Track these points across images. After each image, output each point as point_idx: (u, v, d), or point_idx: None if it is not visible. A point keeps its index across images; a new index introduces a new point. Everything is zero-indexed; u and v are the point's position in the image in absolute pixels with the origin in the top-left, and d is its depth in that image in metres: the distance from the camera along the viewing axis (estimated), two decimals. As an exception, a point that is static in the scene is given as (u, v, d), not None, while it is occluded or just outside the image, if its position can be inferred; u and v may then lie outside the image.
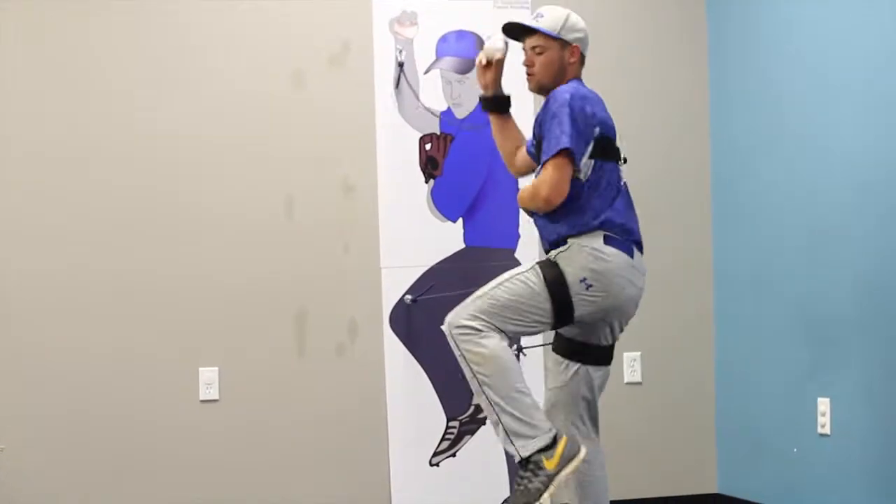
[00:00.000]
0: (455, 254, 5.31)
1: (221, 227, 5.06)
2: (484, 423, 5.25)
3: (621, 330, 4.01)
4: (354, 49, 5.21)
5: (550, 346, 4.11)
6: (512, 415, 3.72)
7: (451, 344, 3.82)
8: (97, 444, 4.91)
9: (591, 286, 3.80)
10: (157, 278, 4.98)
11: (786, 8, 5.12)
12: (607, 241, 3.84)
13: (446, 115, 5.33)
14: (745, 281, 5.37)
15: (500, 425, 3.75)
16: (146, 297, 4.97)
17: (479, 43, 5.34)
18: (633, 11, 5.63)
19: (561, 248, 3.87)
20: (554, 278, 3.80)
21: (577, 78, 4.04)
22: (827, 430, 4.85)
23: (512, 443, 3.75)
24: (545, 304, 3.80)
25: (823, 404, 4.87)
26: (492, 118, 4.35)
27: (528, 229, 5.35)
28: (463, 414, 5.27)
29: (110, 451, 4.92)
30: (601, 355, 4.02)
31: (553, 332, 4.04)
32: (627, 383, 5.47)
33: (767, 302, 5.23)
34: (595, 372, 4.02)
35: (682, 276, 5.59)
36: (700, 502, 5.52)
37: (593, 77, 5.47)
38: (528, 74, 4.03)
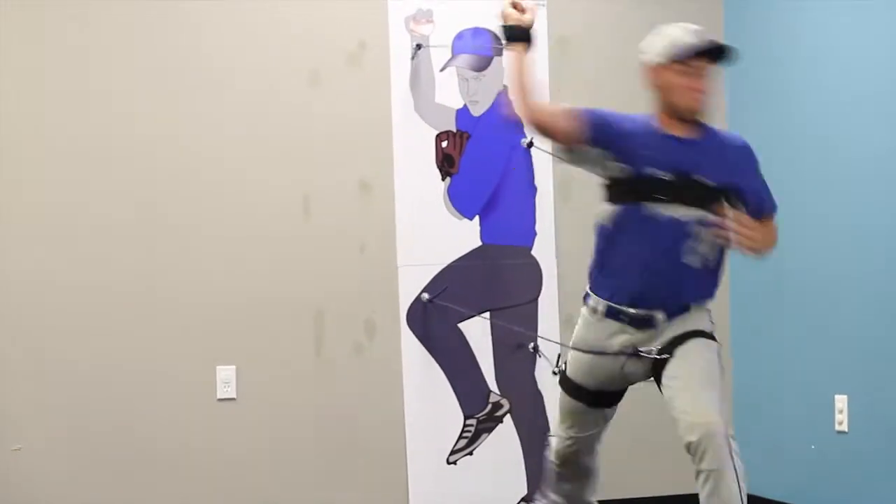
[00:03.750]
0: (472, 251, 5.31)
1: (239, 226, 5.06)
2: (501, 422, 5.26)
3: None
4: (370, 48, 5.21)
5: (593, 406, 3.92)
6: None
7: (725, 455, 3.52)
8: (115, 442, 4.92)
9: None
10: (175, 278, 4.99)
11: (803, 9, 5.10)
12: None
13: (463, 113, 5.33)
14: (762, 279, 5.36)
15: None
16: (164, 296, 4.98)
17: (495, 40, 5.34)
18: (649, 13, 5.59)
19: (691, 313, 3.73)
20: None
21: None
22: (844, 428, 4.85)
23: None
24: None
25: (841, 401, 4.87)
26: (518, 52, 3.77)
27: (544, 227, 5.35)
28: (480, 412, 5.27)
29: (128, 449, 4.93)
30: None
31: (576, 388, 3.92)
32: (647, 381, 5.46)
33: (784, 298, 5.22)
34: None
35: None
36: (717, 499, 5.51)
37: (608, 79, 5.51)
38: (698, 97, 3.68)
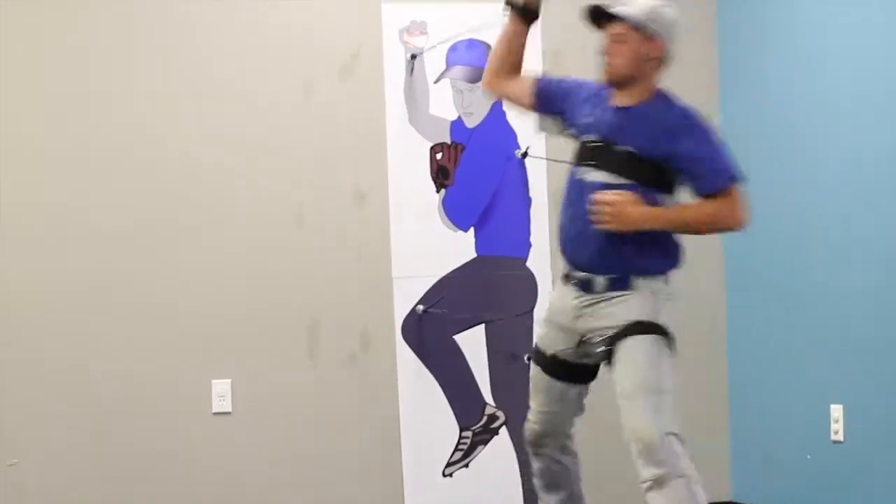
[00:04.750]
0: (466, 263, 5.31)
1: (233, 237, 5.06)
2: (497, 434, 5.25)
3: None
4: (364, 58, 5.21)
5: (549, 374, 3.92)
6: None
7: (662, 460, 3.50)
8: (110, 456, 4.91)
9: None
10: (169, 290, 4.99)
11: (797, 6, 5.10)
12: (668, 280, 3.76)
13: (457, 125, 5.33)
14: (758, 288, 5.36)
15: None
16: (158, 309, 4.97)
17: (489, 52, 5.34)
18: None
19: (624, 292, 3.65)
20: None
21: (658, 85, 3.74)
22: (840, 437, 4.85)
23: None
24: None
25: (836, 411, 4.86)
26: (512, 24, 3.91)
27: (539, 238, 5.35)
28: (476, 424, 5.26)
29: (123, 463, 4.92)
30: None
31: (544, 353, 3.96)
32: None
33: (780, 308, 5.21)
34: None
35: (693, 284, 5.53)
36: (714, 510, 5.51)
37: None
38: (607, 63, 3.67)
